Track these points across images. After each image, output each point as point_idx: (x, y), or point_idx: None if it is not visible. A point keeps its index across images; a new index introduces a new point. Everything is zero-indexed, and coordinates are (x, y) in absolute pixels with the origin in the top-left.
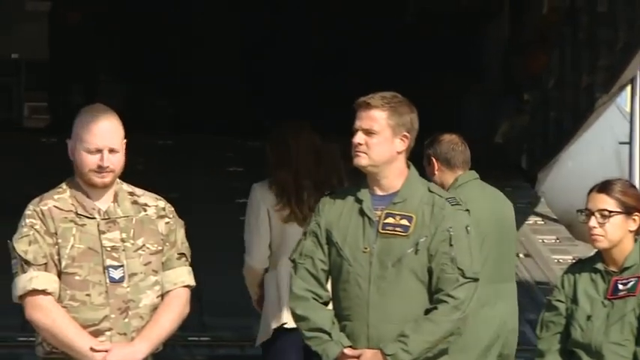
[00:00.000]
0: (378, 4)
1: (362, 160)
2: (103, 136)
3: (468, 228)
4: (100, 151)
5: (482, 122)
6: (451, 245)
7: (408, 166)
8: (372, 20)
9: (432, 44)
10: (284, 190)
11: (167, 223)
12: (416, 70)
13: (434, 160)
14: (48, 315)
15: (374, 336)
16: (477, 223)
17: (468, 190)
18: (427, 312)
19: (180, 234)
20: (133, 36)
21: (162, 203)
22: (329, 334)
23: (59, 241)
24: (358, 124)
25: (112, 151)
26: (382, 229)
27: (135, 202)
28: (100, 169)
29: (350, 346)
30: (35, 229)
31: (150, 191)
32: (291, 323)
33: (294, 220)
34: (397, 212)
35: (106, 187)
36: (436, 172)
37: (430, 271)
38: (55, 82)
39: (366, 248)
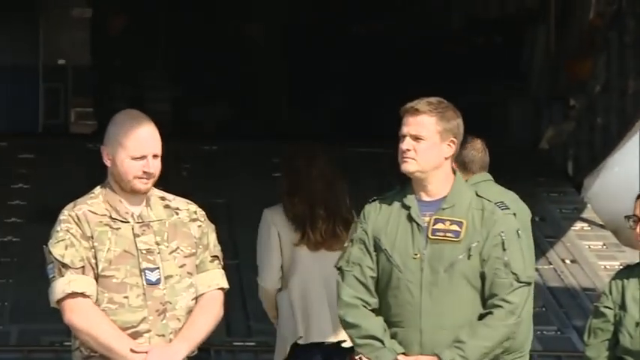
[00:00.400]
0: (423, 12)
1: (410, 167)
2: (147, 142)
3: (519, 232)
4: (144, 157)
5: (527, 128)
6: (504, 250)
7: (454, 172)
8: (418, 28)
9: (477, 51)
10: (298, 217)
11: (199, 226)
12: (461, 76)
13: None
14: (87, 318)
15: (427, 342)
16: None
17: (481, 190)
18: (481, 317)
19: (213, 237)
20: (178, 40)
21: (193, 207)
22: (381, 342)
23: (95, 244)
24: (406, 129)
25: (154, 156)
26: (432, 235)
27: (167, 207)
28: (145, 174)
29: (403, 353)
30: (71, 233)
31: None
32: (305, 339)
33: (304, 244)
34: (446, 218)
35: (147, 192)
36: None
37: (482, 276)
38: (101, 88)
39: (416, 254)
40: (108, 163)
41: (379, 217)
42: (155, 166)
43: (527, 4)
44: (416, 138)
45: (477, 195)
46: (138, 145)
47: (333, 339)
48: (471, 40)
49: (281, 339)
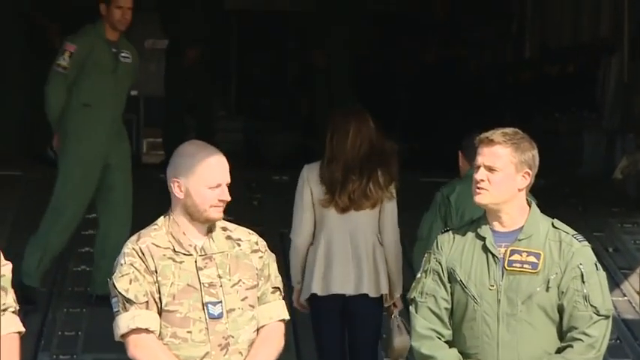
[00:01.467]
0: (496, 41)
1: (483, 199)
2: (222, 171)
3: (597, 264)
4: (219, 185)
5: (600, 158)
6: (583, 282)
7: (529, 203)
8: (491, 57)
9: (550, 80)
10: (332, 182)
11: (260, 257)
12: (534, 106)
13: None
14: (151, 353)
15: None
16: None
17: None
18: (560, 350)
19: (273, 267)
20: (249, 70)
21: (254, 237)
22: None
23: (159, 279)
24: (480, 160)
25: (227, 184)
26: (509, 266)
27: (229, 237)
28: (221, 202)
29: None
30: (135, 267)
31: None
32: (325, 291)
33: (332, 207)
34: (523, 249)
35: (220, 220)
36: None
37: (560, 309)
38: (171, 119)
39: (492, 285)
40: (180, 195)
41: (453, 248)
42: (228, 194)
43: (601, 34)
44: (490, 169)
45: (554, 226)
46: (214, 174)
47: (352, 291)
48: (544, 69)
49: (304, 287)
